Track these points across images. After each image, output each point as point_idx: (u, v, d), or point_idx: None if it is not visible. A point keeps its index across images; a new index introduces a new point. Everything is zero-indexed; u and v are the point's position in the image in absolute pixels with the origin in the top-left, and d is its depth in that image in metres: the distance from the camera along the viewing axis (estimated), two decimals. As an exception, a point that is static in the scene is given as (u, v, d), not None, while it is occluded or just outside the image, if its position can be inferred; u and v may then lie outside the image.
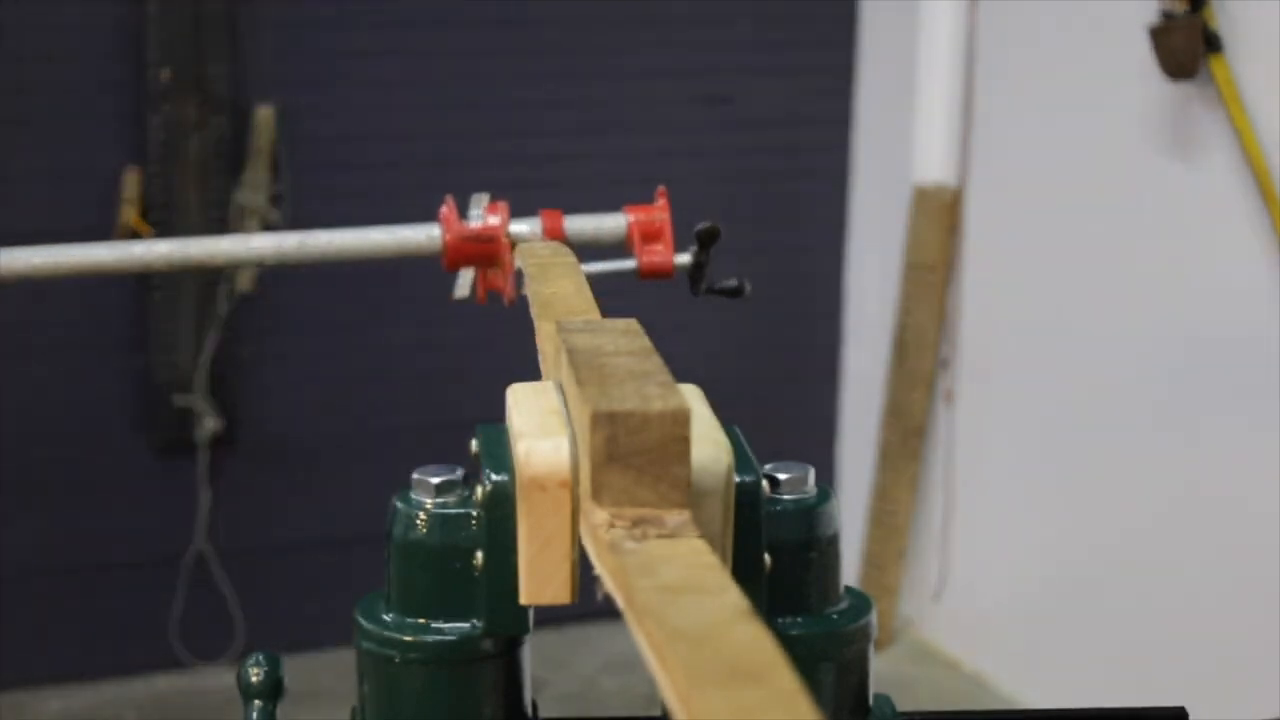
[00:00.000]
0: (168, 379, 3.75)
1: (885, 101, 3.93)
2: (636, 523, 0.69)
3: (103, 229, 3.56)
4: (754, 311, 3.95)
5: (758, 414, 3.88)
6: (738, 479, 0.77)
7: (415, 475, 0.83)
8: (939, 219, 3.74)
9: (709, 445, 0.76)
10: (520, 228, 1.50)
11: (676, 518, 0.69)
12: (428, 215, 1.55)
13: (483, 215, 1.50)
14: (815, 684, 0.82)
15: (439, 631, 0.82)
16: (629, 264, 1.53)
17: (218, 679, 3.75)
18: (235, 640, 3.85)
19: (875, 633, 0.85)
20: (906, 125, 3.80)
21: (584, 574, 0.73)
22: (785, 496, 0.83)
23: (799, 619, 0.82)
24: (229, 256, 1.56)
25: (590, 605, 0.74)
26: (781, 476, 0.83)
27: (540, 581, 0.75)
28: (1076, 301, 3.46)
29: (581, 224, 1.52)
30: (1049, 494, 3.56)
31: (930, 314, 3.79)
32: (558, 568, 0.74)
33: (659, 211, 1.53)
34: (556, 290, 1.15)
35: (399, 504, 0.83)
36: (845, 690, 0.83)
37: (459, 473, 0.83)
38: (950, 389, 3.80)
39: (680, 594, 0.60)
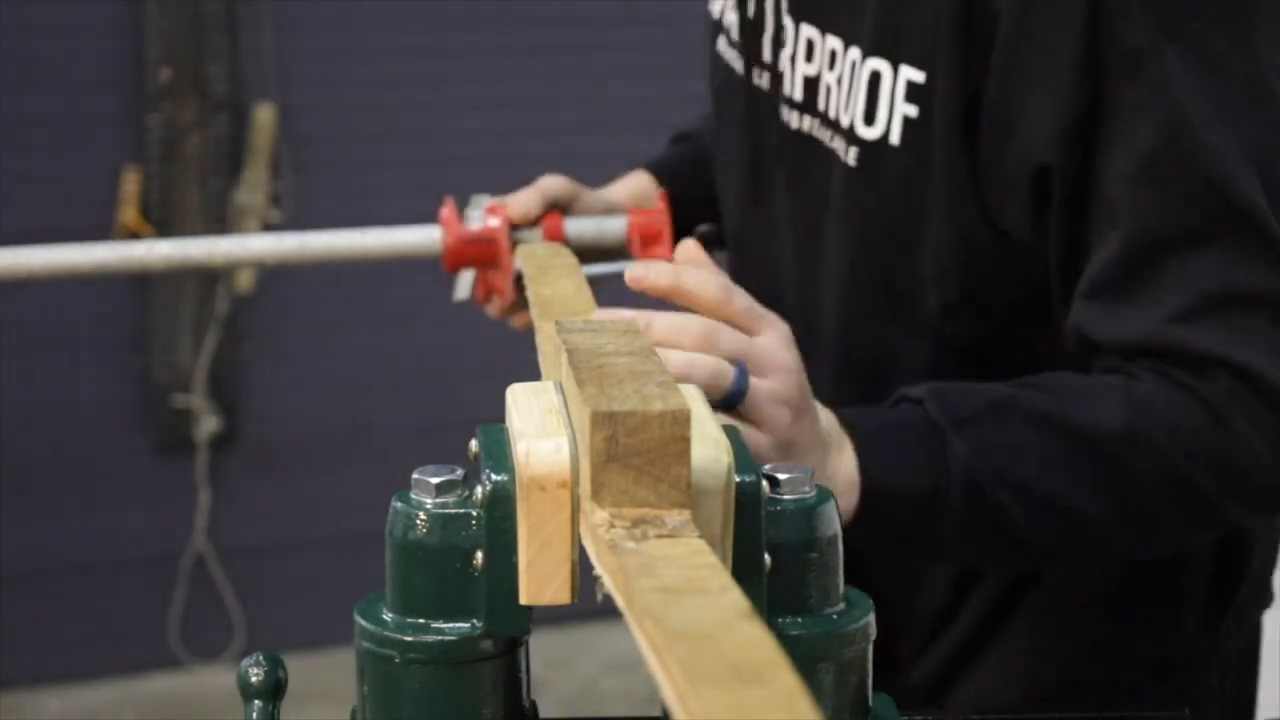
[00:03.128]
0: (168, 379, 3.75)
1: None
2: (636, 523, 0.69)
3: (103, 229, 3.57)
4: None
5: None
6: (738, 479, 0.77)
7: (415, 475, 0.83)
8: (939, 220, 3.74)
9: (709, 445, 0.76)
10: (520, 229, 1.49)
11: (676, 518, 0.69)
12: (428, 216, 1.55)
13: (483, 216, 1.49)
14: (815, 684, 0.82)
15: (439, 631, 0.82)
16: (629, 266, 1.52)
17: (217, 679, 3.76)
18: (235, 640, 3.85)
19: (875, 633, 0.84)
20: (906, 126, 3.80)
21: (584, 574, 0.73)
22: (785, 496, 0.83)
23: (799, 619, 0.82)
24: (229, 256, 1.56)
25: (590, 605, 0.74)
26: (781, 476, 0.83)
27: (540, 581, 0.75)
28: (1076, 302, 3.46)
29: (582, 226, 1.52)
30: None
31: (930, 315, 3.78)
32: (558, 568, 0.74)
33: (659, 214, 1.53)
34: (556, 291, 1.15)
35: (399, 504, 0.83)
36: (845, 690, 0.83)
37: (459, 473, 0.83)
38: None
39: (680, 594, 0.60)
